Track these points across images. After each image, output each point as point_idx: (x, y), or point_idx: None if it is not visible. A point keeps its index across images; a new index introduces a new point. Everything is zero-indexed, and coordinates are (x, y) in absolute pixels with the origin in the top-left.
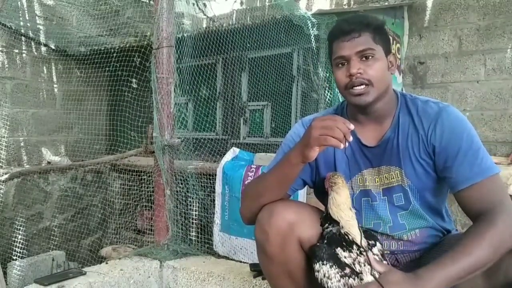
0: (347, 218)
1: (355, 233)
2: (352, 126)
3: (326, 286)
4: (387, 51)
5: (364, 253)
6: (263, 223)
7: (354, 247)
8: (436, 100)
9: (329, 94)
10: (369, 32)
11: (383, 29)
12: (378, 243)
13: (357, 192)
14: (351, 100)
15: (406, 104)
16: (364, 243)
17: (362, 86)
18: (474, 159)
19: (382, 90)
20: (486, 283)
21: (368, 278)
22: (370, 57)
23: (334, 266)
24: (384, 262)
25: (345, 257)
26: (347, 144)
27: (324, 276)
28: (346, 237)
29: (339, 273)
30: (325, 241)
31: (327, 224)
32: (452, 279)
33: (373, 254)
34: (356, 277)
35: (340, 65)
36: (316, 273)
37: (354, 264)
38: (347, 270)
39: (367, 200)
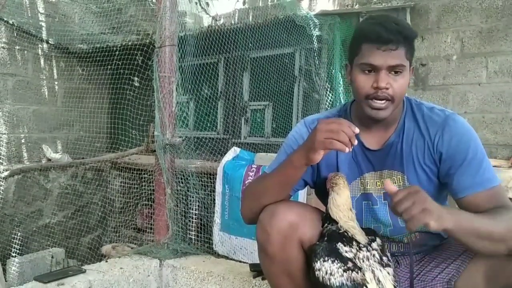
0: (346, 219)
1: (355, 232)
2: (357, 130)
3: (328, 284)
4: (411, 64)
5: (364, 249)
6: (265, 224)
7: (354, 243)
8: (441, 107)
9: (330, 95)
10: (404, 46)
11: (414, 42)
12: (377, 238)
13: (358, 195)
14: (368, 112)
15: (411, 110)
16: (364, 240)
17: (384, 101)
18: (477, 169)
19: (398, 104)
20: (487, 286)
21: (368, 273)
22: (399, 72)
23: (336, 261)
24: (384, 257)
25: (346, 252)
26: (352, 147)
27: (326, 273)
28: (346, 233)
29: (342, 268)
30: (325, 238)
31: (326, 224)
32: (472, 227)
33: (373, 249)
34: (359, 271)
35: (366, 72)
36: (317, 272)
37: (355, 259)
38: (350, 264)
39: (367, 203)
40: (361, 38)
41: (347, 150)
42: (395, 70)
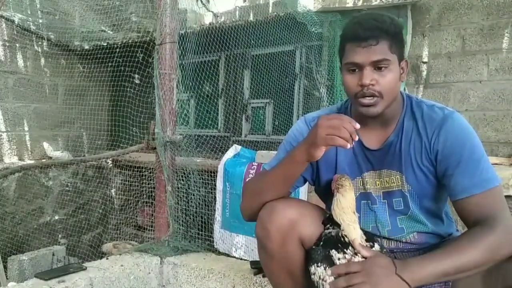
0: (349, 221)
1: (354, 236)
2: (357, 125)
3: None
4: (401, 58)
5: (359, 253)
6: (264, 220)
7: (350, 248)
8: (441, 106)
9: (331, 92)
10: (387, 40)
11: (400, 35)
12: (376, 244)
13: (357, 194)
14: (359, 109)
15: (411, 108)
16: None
17: (372, 98)
18: (474, 170)
19: (391, 100)
20: (485, 285)
21: None
22: (384, 68)
23: (327, 268)
24: None
25: (339, 259)
26: (353, 143)
27: (320, 278)
28: (343, 239)
29: (333, 275)
30: (321, 243)
31: (328, 226)
32: (440, 274)
33: None
34: None
35: (351, 71)
36: (313, 276)
37: None
38: None
39: (366, 203)
40: (344, 39)
41: (348, 146)
42: (379, 65)
